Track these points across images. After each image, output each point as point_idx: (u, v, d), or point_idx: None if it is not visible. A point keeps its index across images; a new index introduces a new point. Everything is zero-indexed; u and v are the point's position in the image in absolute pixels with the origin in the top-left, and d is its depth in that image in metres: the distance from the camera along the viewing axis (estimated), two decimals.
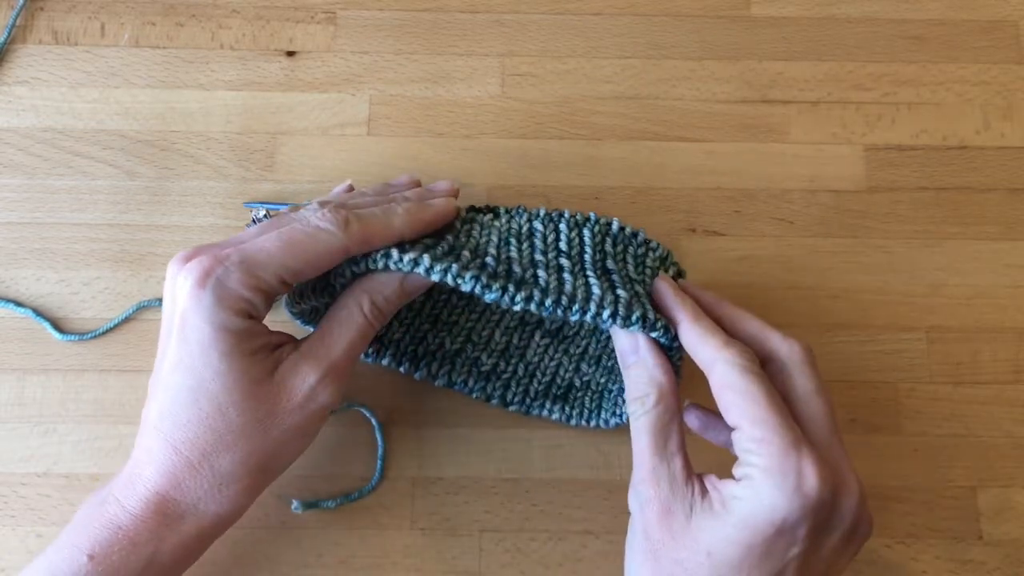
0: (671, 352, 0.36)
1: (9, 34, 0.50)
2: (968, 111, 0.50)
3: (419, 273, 0.34)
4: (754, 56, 0.50)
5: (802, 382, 0.34)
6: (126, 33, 0.50)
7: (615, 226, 0.38)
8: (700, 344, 0.35)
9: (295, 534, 0.42)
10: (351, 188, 0.43)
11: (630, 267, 0.37)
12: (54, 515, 0.42)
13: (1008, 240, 0.47)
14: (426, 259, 0.34)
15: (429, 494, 0.43)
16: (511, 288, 0.34)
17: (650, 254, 0.38)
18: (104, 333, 0.45)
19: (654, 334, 0.35)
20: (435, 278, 0.34)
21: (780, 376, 0.35)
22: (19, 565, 0.42)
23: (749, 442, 0.32)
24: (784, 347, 0.35)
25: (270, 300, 0.35)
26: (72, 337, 0.45)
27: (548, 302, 0.34)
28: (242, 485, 0.34)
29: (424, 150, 0.48)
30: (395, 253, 0.34)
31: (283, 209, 0.40)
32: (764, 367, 0.35)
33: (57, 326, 0.45)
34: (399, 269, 0.35)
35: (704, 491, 0.33)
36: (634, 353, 0.36)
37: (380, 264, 0.35)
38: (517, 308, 0.34)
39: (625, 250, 0.38)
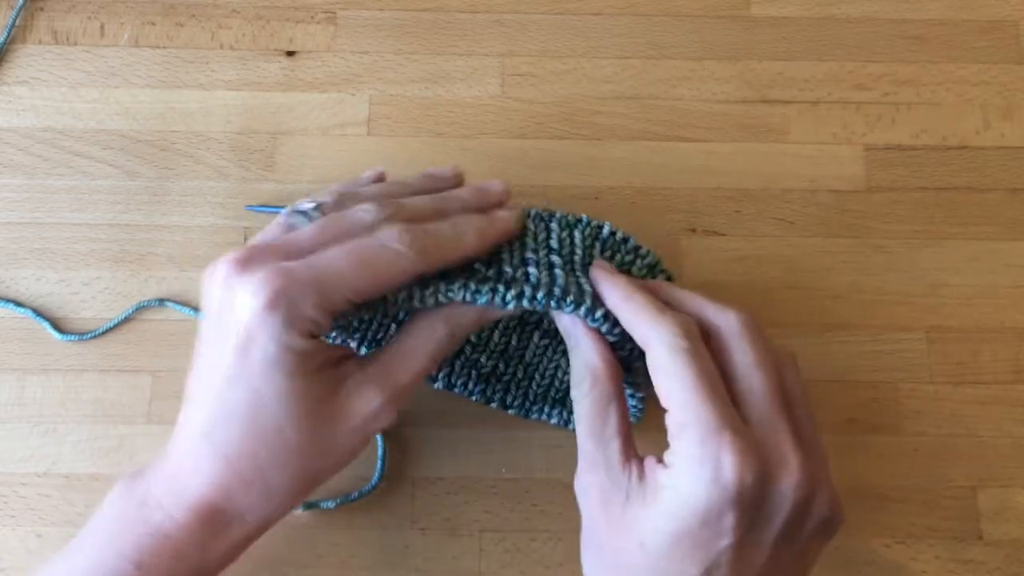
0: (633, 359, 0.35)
1: (9, 34, 0.50)
2: (968, 111, 0.50)
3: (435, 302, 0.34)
4: (754, 56, 0.50)
5: (740, 356, 0.32)
6: (126, 33, 0.50)
7: (606, 230, 0.37)
8: (633, 320, 0.33)
9: (295, 534, 0.42)
10: (382, 176, 0.41)
11: None
12: (54, 515, 0.42)
13: (1008, 240, 0.47)
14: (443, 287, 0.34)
15: (429, 494, 0.43)
16: (500, 288, 0.34)
17: (638, 261, 0.38)
18: (104, 333, 0.45)
19: (630, 345, 0.35)
20: (442, 300, 0.34)
21: (719, 351, 0.33)
22: (19, 565, 0.42)
23: (674, 427, 0.31)
24: (720, 318, 0.33)
25: (334, 319, 0.33)
26: (72, 337, 0.45)
27: (540, 295, 0.33)
28: (290, 496, 0.34)
29: (424, 150, 0.48)
30: (443, 287, 0.34)
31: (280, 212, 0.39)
32: (708, 343, 0.33)
33: (57, 326, 0.45)
34: (436, 302, 0.34)
35: (642, 476, 0.32)
36: (572, 339, 0.35)
37: (417, 301, 0.34)
38: (509, 307, 0.34)
39: (613, 256, 0.37)
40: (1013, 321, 0.46)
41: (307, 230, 0.34)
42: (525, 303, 0.34)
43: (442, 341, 0.34)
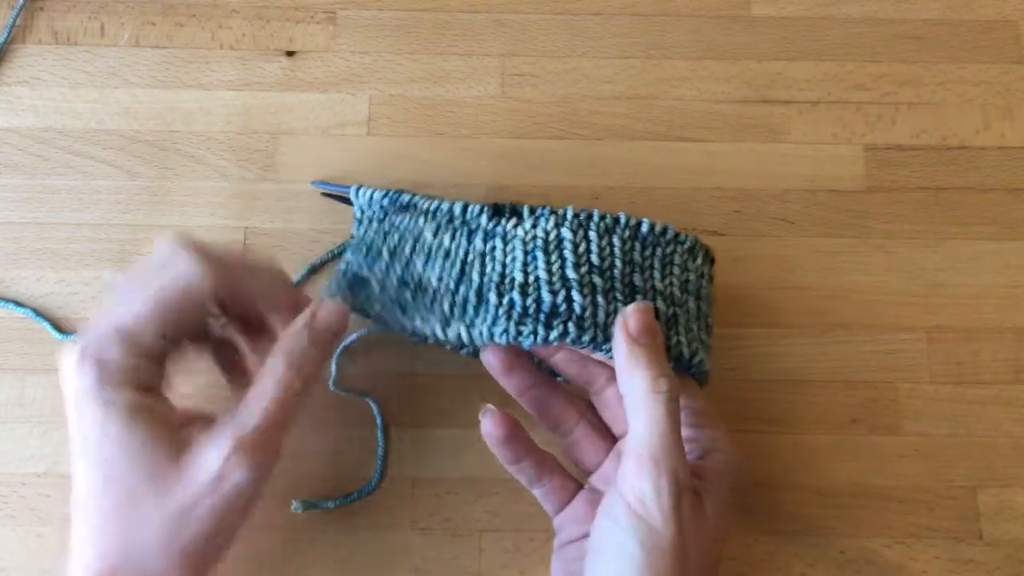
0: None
1: (9, 34, 0.50)
2: (968, 111, 0.50)
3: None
4: (754, 56, 0.50)
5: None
6: (126, 33, 0.50)
7: (644, 228, 0.37)
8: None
9: (295, 534, 0.42)
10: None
11: (656, 277, 0.37)
12: (54, 515, 0.42)
13: (1008, 240, 0.47)
14: (463, 330, 0.36)
15: (429, 494, 0.43)
16: (541, 331, 0.34)
17: (678, 249, 0.38)
18: None
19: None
20: (482, 340, 0.36)
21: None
22: (19, 565, 0.42)
23: (695, 416, 0.36)
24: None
25: (161, 360, 0.34)
26: (72, 337, 0.45)
27: (586, 339, 0.34)
28: None
29: (424, 150, 0.48)
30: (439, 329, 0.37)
31: (349, 192, 0.42)
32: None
33: (57, 326, 0.45)
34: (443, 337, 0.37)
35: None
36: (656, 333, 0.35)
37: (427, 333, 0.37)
38: (553, 343, 0.34)
39: (653, 253, 0.37)
40: (1013, 321, 0.46)
41: (115, 292, 0.34)
42: (568, 342, 0.34)
43: (289, 380, 0.34)
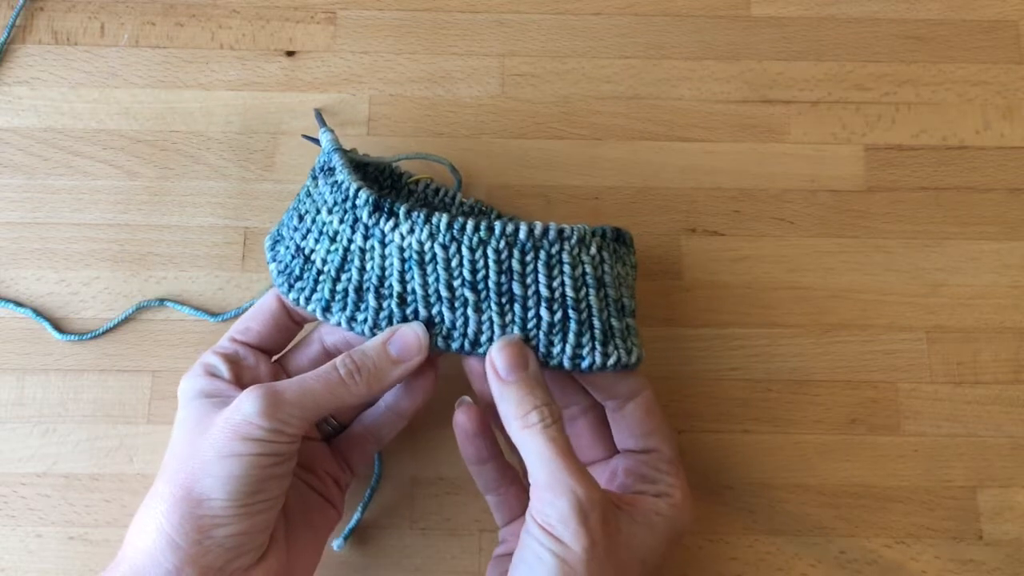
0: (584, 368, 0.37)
1: (9, 34, 0.50)
2: (968, 111, 0.50)
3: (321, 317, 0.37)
4: (754, 56, 0.50)
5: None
6: (126, 33, 0.50)
7: (522, 234, 0.36)
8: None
9: None
10: None
11: (541, 282, 0.36)
12: (54, 515, 0.42)
13: (1008, 240, 0.47)
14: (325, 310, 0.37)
15: (429, 494, 0.43)
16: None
17: (565, 246, 0.36)
18: (104, 333, 0.45)
19: (552, 364, 0.36)
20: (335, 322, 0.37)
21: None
22: (19, 565, 0.42)
23: (664, 463, 0.37)
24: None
25: (233, 359, 0.37)
26: (72, 337, 0.45)
27: (454, 346, 0.36)
28: (168, 506, 0.33)
29: (424, 150, 0.48)
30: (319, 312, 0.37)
31: (324, 132, 0.40)
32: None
33: (57, 326, 0.45)
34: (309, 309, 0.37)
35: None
36: (523, 368, 0.35)
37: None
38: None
39: (536, 258, 0.36)
40: (1013, 321, 0.46)
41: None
42: (439, 351, 0.36)
43: (349, 374, 0.35)
